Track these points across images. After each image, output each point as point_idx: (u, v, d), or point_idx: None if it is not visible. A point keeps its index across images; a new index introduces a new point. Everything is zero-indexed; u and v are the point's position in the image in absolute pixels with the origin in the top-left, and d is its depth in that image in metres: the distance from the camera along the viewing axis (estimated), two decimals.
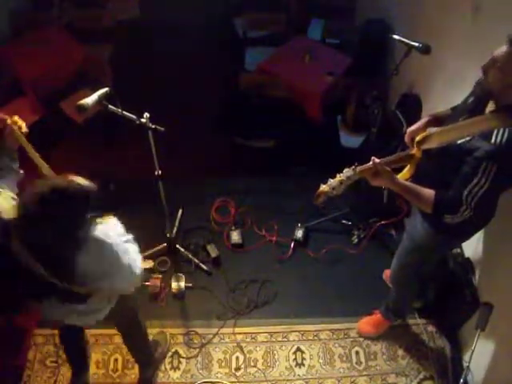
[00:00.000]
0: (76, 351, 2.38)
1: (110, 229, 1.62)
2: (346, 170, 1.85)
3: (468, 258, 2.46)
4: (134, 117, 2.21)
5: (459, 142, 1.72)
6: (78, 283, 1.56)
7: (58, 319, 1.93)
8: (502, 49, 1.55)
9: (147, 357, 2.44)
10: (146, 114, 2.26)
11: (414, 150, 1.99)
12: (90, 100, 1.97)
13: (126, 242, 1.70)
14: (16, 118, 1.81)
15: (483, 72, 1.64)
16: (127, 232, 1.73)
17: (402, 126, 3.06)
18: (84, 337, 2.41)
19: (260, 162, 3.61)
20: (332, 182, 1.84)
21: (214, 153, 3.67)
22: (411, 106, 3.17)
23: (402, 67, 2.52)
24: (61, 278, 1.53)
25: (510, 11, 2.05)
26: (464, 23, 2.51)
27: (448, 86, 2.72)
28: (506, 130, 1.59)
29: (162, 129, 2.29)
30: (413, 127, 2.08)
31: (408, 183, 1.87)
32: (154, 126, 2.27)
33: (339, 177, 1.84)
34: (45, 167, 1.87)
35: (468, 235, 2.08)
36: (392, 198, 3.10)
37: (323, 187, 1.85)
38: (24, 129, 1.82)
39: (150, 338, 2.52)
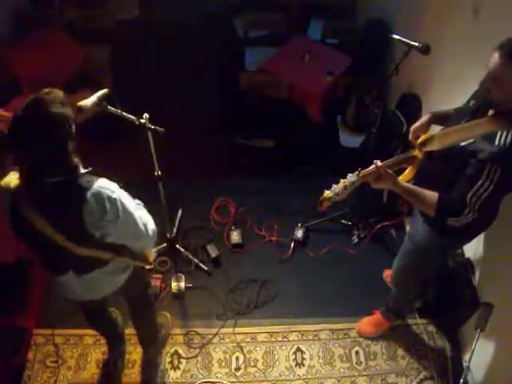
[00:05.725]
0: (106, 325, 2.37)
1: (113, 185, 1.61)
2: (349, 175, 1.76)
3: (468, 258, 2.46)
4: (133, 117, 2.21)
5: (462, 144, 1.71)
6: (91, 243, 1.59)
7: (77, 296, 1.94)
8: (495, 60, 1.54)
9: (153, 335, 2.46)
10: (146, 115, 2.26)
11: (416, 152, 1.98)
12: (90, 101, 1.96)
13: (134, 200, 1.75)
14: None
15: (483, 90, 1.64)
16: None
17: (401, 126, 3.06)
18: (109, 310, 2.39)
19: (260, 162, 3.61)
20: (336, 187, 1.75)
21: (214, 153, 3.66)
22: (411, 106, 3.16)
23: (401, 67, 2.51)
24: (74, 239, 1.56)
25: (510, 11, 2.05)
26: (464, 23, 2.51)
27: (448, 86, 2.72)
28: (510, 132, 1.58)
29: (162, 129, 2.29)
30: (417, 124, 2.06)
31: (410, 186, 1.84)
32: (153, 127, 2.27)
33: (343, 182, 1.75)
34: None
35: (470, 237, 2.08)
36: (392, 198, 3.10)
37: (327, 193, 1.75)
38: None
39: None
